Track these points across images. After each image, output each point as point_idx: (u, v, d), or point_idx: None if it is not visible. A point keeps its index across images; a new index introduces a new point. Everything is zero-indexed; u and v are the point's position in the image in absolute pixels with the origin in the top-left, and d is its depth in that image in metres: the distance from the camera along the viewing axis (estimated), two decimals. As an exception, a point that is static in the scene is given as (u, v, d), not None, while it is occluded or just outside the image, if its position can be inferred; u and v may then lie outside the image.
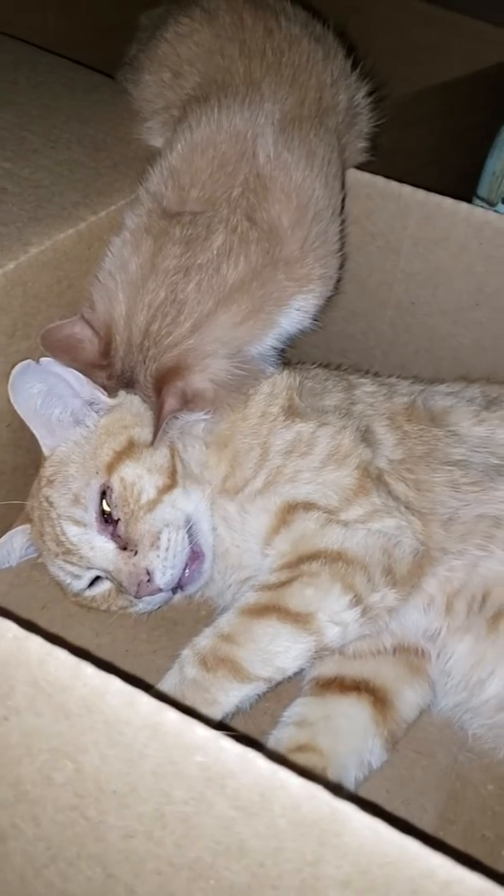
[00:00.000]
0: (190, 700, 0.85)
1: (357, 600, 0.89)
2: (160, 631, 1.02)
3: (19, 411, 0.96)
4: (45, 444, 0.98)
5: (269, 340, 0.99)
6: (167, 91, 1.07)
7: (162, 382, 0.92)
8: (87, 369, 0.96)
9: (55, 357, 0.95)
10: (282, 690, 0.95)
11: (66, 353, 0.94)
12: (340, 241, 1.02)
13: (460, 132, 1.62)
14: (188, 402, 0.92)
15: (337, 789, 0.51)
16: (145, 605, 0.96)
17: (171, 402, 0.91)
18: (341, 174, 1.04)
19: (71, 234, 0.95)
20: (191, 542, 0.95)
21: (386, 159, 1.54)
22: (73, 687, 0.52)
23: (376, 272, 1.22)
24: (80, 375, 0.97)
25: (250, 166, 0.93)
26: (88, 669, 0.53)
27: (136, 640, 1.01)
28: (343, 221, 1.06)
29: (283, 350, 1.08)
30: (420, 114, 1.59)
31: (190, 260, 0.92)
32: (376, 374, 1.18)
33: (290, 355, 1.20)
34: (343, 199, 1.07)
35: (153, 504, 0.93)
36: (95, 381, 0.97)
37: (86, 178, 1.02)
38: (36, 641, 0.53)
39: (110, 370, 0.96)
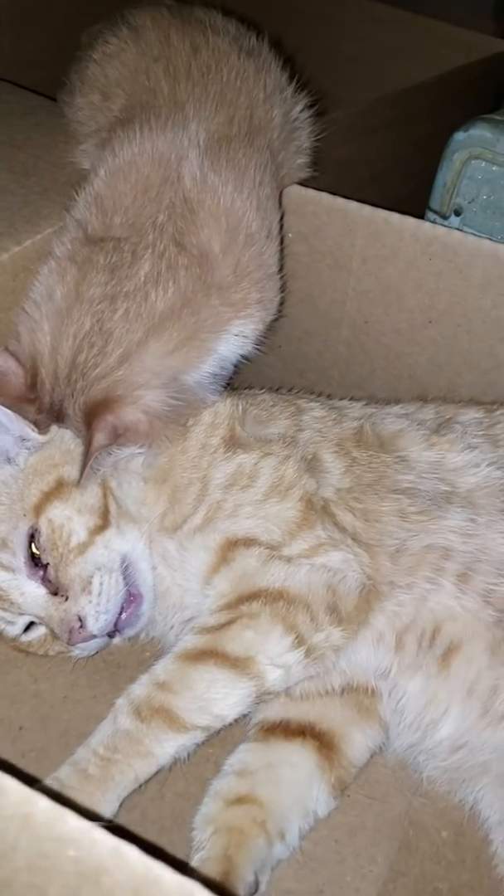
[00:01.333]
0: (123, 752, 0.81)
1: (300, 641, 0.85)
2: (102, 675, 0.98)
3: None
4: (-26, 485, 0.94)
5: (207, 368, 0.95)
6: (98, 113, 1.03)
7: (91, 416, 0.88)
8: (15, 404, 0.92)
9: None
10: (226, 735, 0.91)
11: None
12: (278, 263, 0.98)
13: (422, 138, 1.58)
14: (119, 436, 0.88)
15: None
16: (81, 650, 0.92)
17: (99, 438, 0.87)
18: (276, 193, 1.00)
19: (-7, 266, 0.91)
20: (128, 584, 0.91)
21: (345, 169, 1.51)
22: None
23: (328, 291, 1.18)
24: (8, 411, 0.94)
25: (175, 190, 0.90)
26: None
27: (76, 685, 0.97)
28: (281, 241, 1.02)
29: (229, 375, 1.04)
30: (380, 121, 1.56)
31: (115, 288, 0.88)
32: (329, 397, 1.14)
33: (245, 376, 1.17)
34: (281, 219, 1.03)
35: (84, 546, 0.89)
36: (25, 417, 0.93)
37: (12, 206, 0.98)
38: None
39: (39, 404, 0.92)
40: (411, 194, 1.60)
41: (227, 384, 1.06)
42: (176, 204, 0.90)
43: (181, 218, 0.90)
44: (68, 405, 0.90)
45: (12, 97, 1.22)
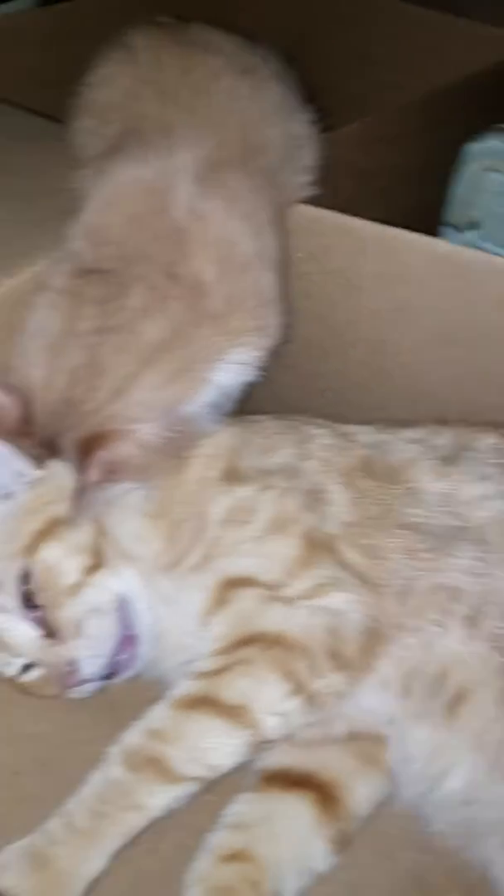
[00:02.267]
0: (113, 804, 0.79)
1: (299, 689, 0.81)
2: (104, 715, 0.95)
3: None
4: (-30, 522, 0.93)
5: (204, 398, 0.92)
6: (94, 138, 1.02)
7: (83, 452, 0.86)
8: (12, 438, 0.91)
9: None
10: (226, 782, 0.88)
11: None
12: (278, 289, 0.95)
13: (447, 144, 1.52)
14: (112, 471, 0.86)
15: None
16: (79, 693, 0.90)
17: (91, 473, 0.85)
18: (276, 216, 0.97)
19: (-16, 302, 0.89)
20: (123, 626, 0.89)
21: (369, 178, 1.46)
22: None
23: (340, 310, 1.14)
24: (6, 445, 0.92)
25: (164, 220, 0.87)
26: None
27: (78, 726, 0.95)
28: (285, 264, 0.99)
29: (232, 403, 1.01)
30: (403, 129, 1.51)
31: (106, 321, 0.86)
32: (346, 419, 1.09)
33: (261, 397, 1.13)
34: (284, 241, 0.99)
35: (76, 588, 0.87)
36: (23, 451, 0.92)
37: (6, 238, 0.97)
38: None
39: (34, 439, 0.90)
40: (435, 202, 1.55)
41: (239, 408, 1.03)
42: (165, 234, 0.87)
43: (171, 248, 0.87)
44: (62, 440, 0.88)
45: (18, 120, 1.20)
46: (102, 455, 0.85)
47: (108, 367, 0.86)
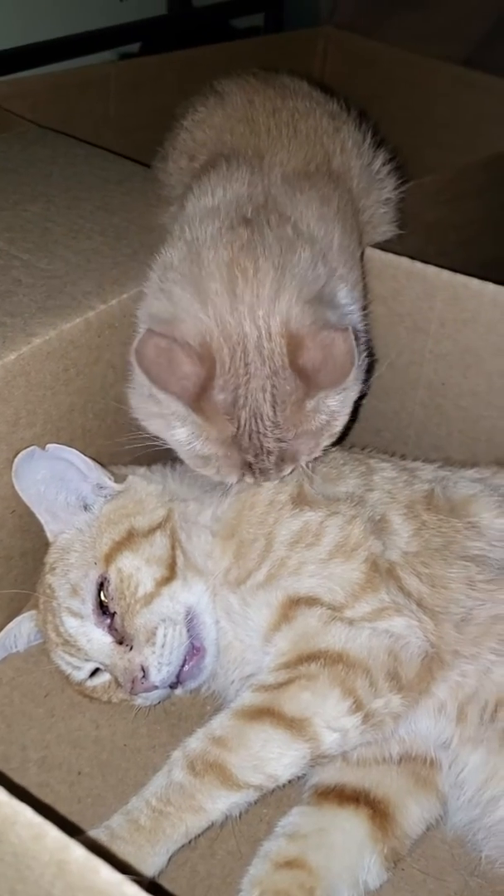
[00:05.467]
0: (175, 805, 0.81)
1: (358, 706, 0.84)
2: (162, 725, 0.99)
3: (24, 497, 0.96)
4: (50, 530, 0.98)
5: None
6: (185, 176, 1.08)
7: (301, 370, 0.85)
8: (195, 405, 0.85)
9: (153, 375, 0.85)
10: (282, 796, 0.91)
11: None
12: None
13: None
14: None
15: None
16: (143, 700, 0.93)
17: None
18: (358, 234, 1.03)
19: (78, 323, 0.96)
20: (191, 636, 0.92)
21: (433, 233, 1.52)
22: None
23: (406, 352, 1.19)
24: (88, 459, 0.97)
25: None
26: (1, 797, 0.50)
27: (136, 734, 0.98)
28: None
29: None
30: (470, 187, 1.57)
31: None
32: (404, 457, 1.13)
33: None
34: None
35: (150, 597, 0.91)
36: (214, 412, 0.86)
37: (102, 268, 1.04)
38: None
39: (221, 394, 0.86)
40: (500, 259, 1.60)
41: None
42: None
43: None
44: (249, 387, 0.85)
45: (109, 164, 1.29)
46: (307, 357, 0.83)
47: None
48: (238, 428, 0.85)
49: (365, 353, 0.96)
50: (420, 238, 1.41)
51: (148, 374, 0.83)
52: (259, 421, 0.85)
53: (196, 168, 1.05)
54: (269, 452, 0.87)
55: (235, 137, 1.02)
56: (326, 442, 0.92)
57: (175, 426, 0.88)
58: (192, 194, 0.98)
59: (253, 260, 0.86)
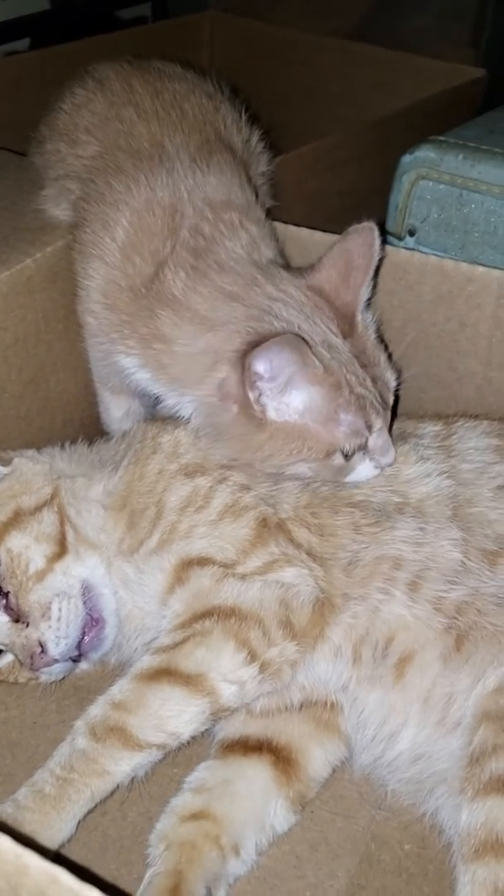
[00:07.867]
0: (79, 771, 0.82)
1: (253, 657, 0.85)
2: (71, 700, 1.00)
3: None
4: None
5: None
6: (63, 160, 1.09)
7: None
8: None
9: None
10: (191, 754, 0.92)
11: None
12: None
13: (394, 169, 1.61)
14: None
15: None
16: (47, 675, 0.94)
17: None
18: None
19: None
20: (89, 608, 0.93)
21: (317, 200, 1.54)
22: None
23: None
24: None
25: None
26: None
27: (46, 711, 0.99)
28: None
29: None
30: (350, 153, 1.60)
31: None
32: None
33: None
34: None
35: (42, 573, 0.92)
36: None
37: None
38: None
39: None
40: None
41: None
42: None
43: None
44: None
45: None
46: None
47: None
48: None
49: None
50: (305, 206, 1.43)
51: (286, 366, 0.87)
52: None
53: (81, 157, 1.05)
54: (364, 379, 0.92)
55: (126, 124, 1.02)
56: None
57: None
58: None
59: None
